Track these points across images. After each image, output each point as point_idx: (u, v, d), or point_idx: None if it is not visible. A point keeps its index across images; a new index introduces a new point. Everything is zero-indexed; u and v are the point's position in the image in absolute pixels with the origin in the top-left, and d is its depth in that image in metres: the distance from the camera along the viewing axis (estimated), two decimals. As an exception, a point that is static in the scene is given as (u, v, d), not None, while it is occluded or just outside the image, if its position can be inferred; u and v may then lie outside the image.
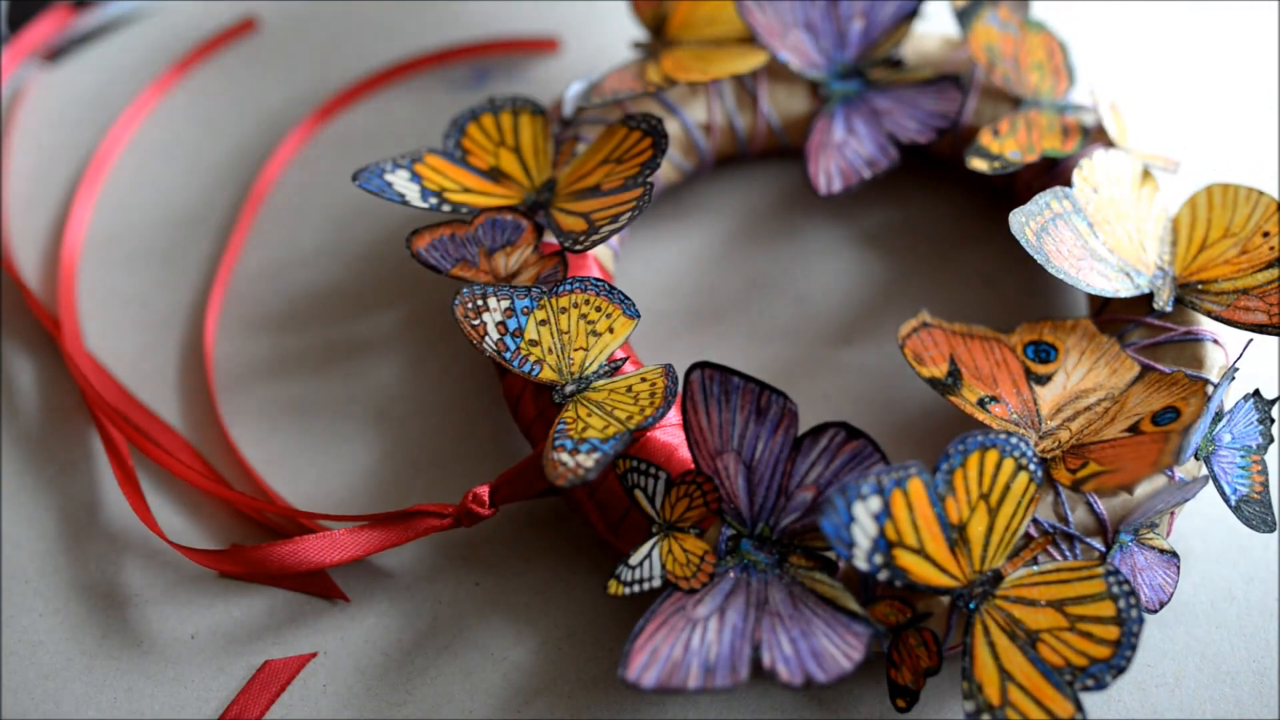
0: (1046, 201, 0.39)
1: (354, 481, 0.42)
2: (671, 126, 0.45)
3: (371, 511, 0.41)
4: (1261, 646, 0.38)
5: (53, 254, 0.47)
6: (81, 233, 0.48)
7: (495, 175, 0.42)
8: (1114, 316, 0.40)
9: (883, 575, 0.34)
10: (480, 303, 0.37)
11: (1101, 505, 0.36)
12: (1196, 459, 0.37)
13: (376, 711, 0.37)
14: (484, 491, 0.38)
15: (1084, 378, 0.39)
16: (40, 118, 0.51)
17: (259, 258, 0.47)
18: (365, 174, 0.41)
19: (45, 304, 0.46)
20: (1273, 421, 0.38)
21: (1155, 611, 0.36)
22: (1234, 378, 0.39)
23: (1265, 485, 0.38)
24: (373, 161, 0.42)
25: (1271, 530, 0.37)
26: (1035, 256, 0.38)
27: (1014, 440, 0.35)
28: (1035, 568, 0.35)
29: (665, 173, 0.45)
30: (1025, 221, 0.39)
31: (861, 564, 0.33)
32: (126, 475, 0.40)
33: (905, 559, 0.34)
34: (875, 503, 0.33)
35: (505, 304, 0.37)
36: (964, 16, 0.44)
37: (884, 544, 0.33)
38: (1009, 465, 0.35)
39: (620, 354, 0.39)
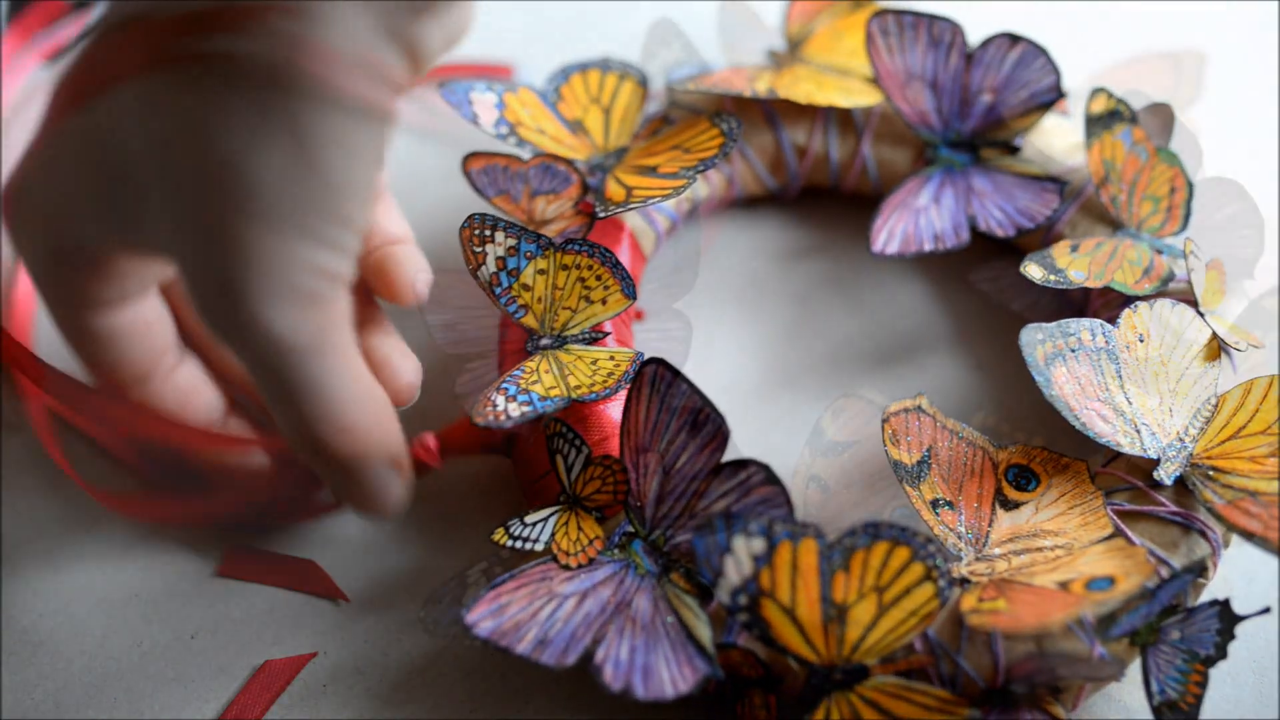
0: (1077, 330, 0.37)
1: None
2: (766, 140, 0.44)
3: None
4: (1261, 646, 0.38)
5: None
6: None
7: (576, 128, 0.43)
8: (1115, 472, 0.37)
9: (742, 618, 0.33)
10: (488, 233, 0.38)
11: (1001, 646, 0.34)
12: (1132, 644, 0.34)
13: (376, 711, 0.37)
14: (429, 437, 0.37)
15: (1052, 519, 0.36)
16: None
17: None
18: (453, 85, 0.42)
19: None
20: (1232, 638, 0.35)
21: None
22: (1204, 580, 0.35)
23: (1198, 700, 0.34)
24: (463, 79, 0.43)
25: None
26: (1037, 378, 0.36)
27: (930, 547, 0.33)
28: (904, 680, 0.33)
29: (747, 183, 0.45)
30: (1040, 340, 0.36)
31: (723, 597, 0.33)
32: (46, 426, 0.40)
33: (771, 612, 0.33)
34: (759, 545, 0.32)
35: (512, 242, 0.38)
36: (1093, 124, 0.41)
37: (754, 588, 0.33)
38: (916, 570, 0.33)
39: (608, 327, 0.39)
